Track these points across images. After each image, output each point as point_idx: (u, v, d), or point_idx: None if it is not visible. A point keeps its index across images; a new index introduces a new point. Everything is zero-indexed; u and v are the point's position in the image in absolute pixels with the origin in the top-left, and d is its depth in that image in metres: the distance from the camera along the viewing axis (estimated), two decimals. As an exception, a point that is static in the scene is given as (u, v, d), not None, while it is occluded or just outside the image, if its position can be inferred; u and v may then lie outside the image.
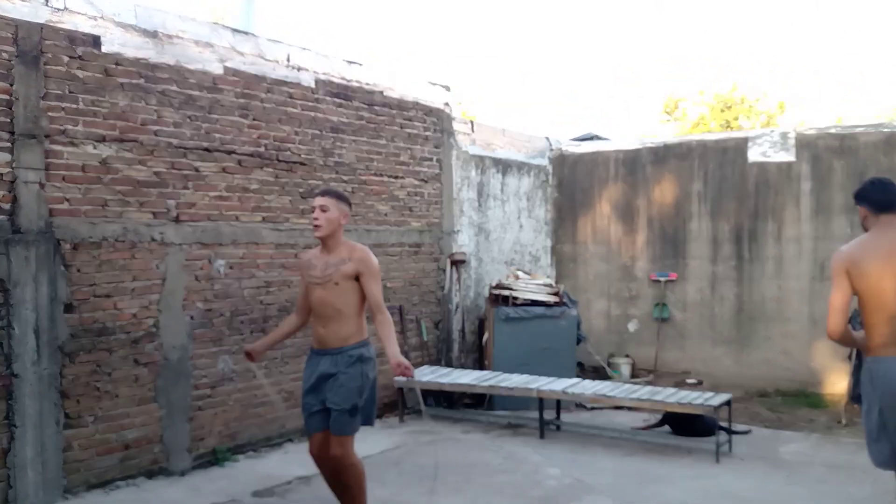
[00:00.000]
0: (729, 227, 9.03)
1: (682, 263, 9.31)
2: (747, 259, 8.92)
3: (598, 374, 9.15)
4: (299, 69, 6.57)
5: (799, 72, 34.74)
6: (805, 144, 8.63)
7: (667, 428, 6.72)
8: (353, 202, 6.98)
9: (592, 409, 7.59)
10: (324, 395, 4.07)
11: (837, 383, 8.19)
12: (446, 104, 8.25)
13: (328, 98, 6.83)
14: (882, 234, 3.66)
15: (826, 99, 31.33)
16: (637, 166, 9.65)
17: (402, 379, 6.50)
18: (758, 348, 8.83)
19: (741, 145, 8.99)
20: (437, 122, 8.10)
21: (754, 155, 8.90)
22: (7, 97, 4.72)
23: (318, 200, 4.04)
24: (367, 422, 4.19)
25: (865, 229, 3.80)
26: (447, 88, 8.31)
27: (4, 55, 4.71)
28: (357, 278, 4.00)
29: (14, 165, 4.75)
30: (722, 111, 22.88)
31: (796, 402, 8.01)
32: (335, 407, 4.00)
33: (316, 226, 4.01)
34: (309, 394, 4.13)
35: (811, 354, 8.51)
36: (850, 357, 7.63)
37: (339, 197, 4.10)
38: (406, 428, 6.98)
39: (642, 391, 6.62)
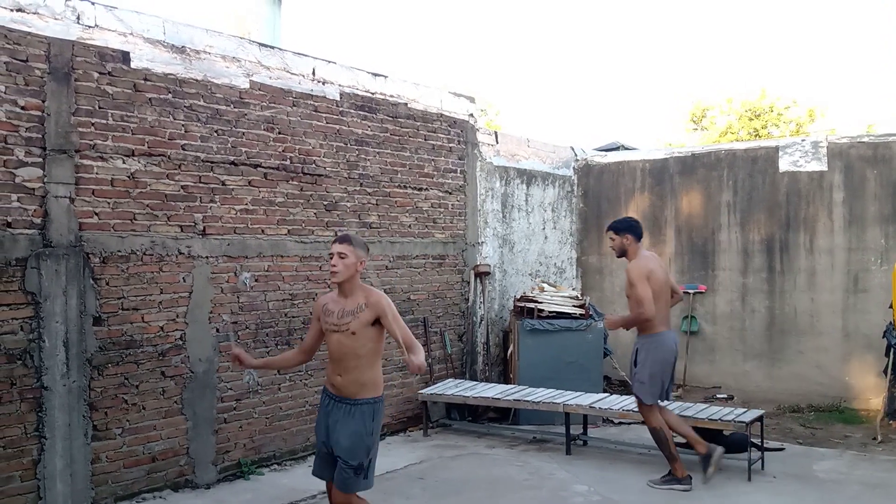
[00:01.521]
0: (759, 238, 8.89)
1: (711, 275, 9.18)
2: (779, 271, 8.77)
3: (626, 388, 9.03)
4: (324, 82, 6.61)
5: (828, 79, 34.28)
6: (837, 153, 8.49)
7: (696, 444, 6.59)
8: (377, 214, 7.04)
9: (620, 424, 7.48)
10: (332, 443, 4.03)
11: (872, 398, 8.02)
12: (470, 115, 8.24)
13: (353, 111, 6.86)
14: (650, 254, 5.85)
15: (857, 106, 30.87)
16: (664, 176, 9.55)
17: (423, 391, 6.46)
18: (790, 362, 8.67)
19: (771, 154, 8.86)
20: (461, 134, 8.09)
21: (785, 164, 8.77)
22: (39, 113, 4.80)
23: (337, 247, 4.02)
24: (368, 484, 4.10)
25: (622, 253, 5.73)
26: (471, 99, 8.30)
27: (37, 72, 4.79)
28: (376, 322, 3.98)
29: (45, 180, 4.82)
30: (750, 119, 22.61)
31: (830, 418, 7.84)
32: (342, 463, 3.97)
33: (334, 272, 4.00)
34: (322, 439, 4.11)
35: (845, 369, 8.34)
36: (885, 371, 7.47)
37: (356, 243, 4.07)
38: (430, 442, 6.94)
39: (672, 406, 6.50)
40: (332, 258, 4.02)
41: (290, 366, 4.56)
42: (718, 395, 8.73)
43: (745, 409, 6.38)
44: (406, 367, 4.07)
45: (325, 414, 4.08)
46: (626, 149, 11.95)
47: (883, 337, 7.56)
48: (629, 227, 5.72)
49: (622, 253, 5.72)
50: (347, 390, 4.00)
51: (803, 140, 8.85)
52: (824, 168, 8.54)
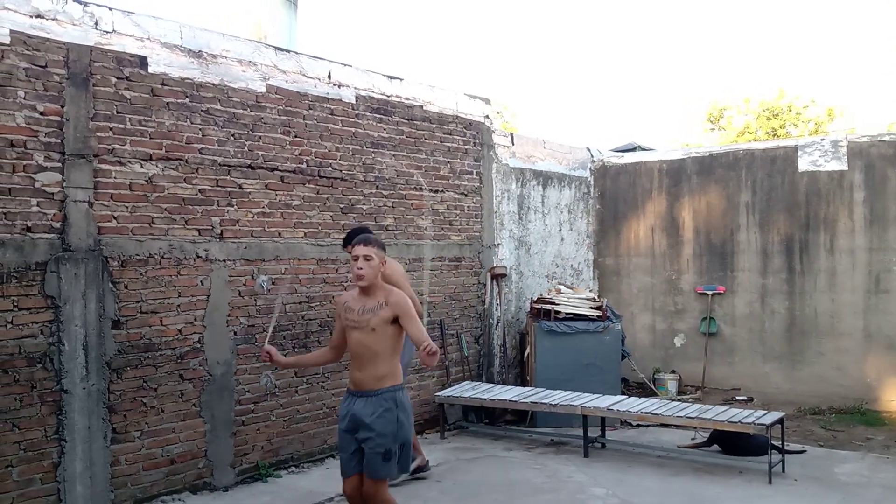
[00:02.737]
0: (779, 239, 8.81)
1: (730, 276, 9.11)
2: (798, 271, 8.68)
3: (643, 390, 8.98)
4: (340, 86, 6.62)
5: (847, 78, 33.93)
6: (857, 152, 8.39)
7: (715, 447, 6.55)
8: (393, 217, 7.05)
9: (638, 426, 7.43)
10: (358, 436, 4.07)
11: (894, 400, 7.92)
12: (486, 117, 8.22)
13: (368, 114, 6.87)
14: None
15: (877, 105, 30.53)
16: (682, 176, 9.49)
17: (440, 393, 6.47)
18: (810, 364, 8.57)
19: (790, 154, 8.78)
20: (476, 136, 8.08)
21: (804, 164, 8.68)
22: (58, 118, 4.84)
23: (362, 250, 4.05)
24: (403, 468, 4.17)
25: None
26: (487, 101, 8.28)
27: (56, 77, 4.83)
28: (395, 320, 4.02)
29: (64, 185, 4.86)
30: (768, 119, 22.42)
31: (851, 420, 7.74)
32: (369, 450, 4.00)
33: (360, 275, 4.03)
34: (344, 433, 4.13)
35: (866, 370, 8.24)
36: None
37: (378, 245, 4.13)
38: (447, 444, 6.93)
39: (691, 409, 6.46)
40: (356, 261, 4.05)
41: (321, 363, 4.59)
42: (738, 398, 8.65)
43: (766, 412, 6.32)
44: (423, 369, 4.09)
45: (346, 409, 4.12)
46: (643, 149, 11.90)
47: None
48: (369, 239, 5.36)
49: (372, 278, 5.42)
50: (367, 384, 4.05)
51: (823, 139, 8.76)
52: (844, 167, 8.45)
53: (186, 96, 5.51)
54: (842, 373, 8.35)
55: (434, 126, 7.56)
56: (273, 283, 6.05)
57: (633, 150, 11.78)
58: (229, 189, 5.78)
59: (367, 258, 4.04)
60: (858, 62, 35.24)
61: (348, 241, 5.30)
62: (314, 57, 6.49)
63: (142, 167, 5.27)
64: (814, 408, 8.16)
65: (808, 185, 8.65)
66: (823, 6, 36.70)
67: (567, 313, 7.75)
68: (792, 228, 8.73)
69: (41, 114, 4.76)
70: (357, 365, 4.09)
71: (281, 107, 6.13)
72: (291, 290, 6.09)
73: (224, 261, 5.73)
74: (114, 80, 5.12)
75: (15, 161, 4.66)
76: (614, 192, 9.97)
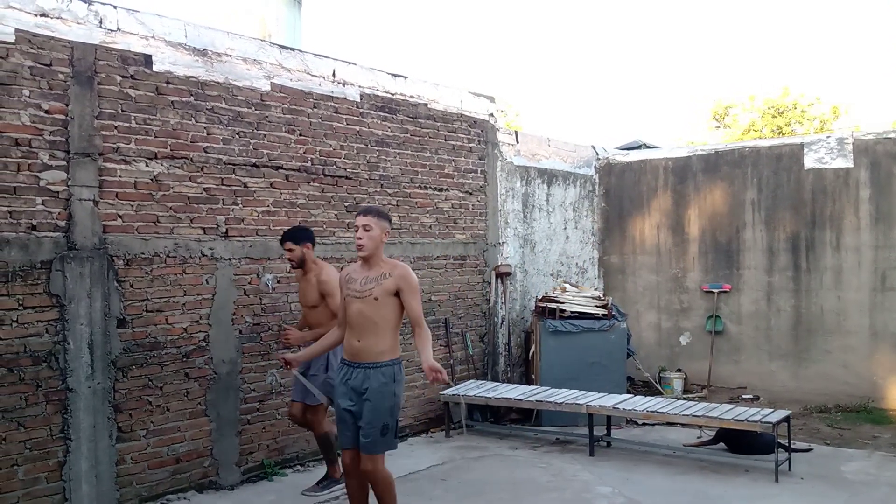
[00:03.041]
0: (785, 237, 8.78)
1: (735, 274, 9.08)
2: (804, 269, 8.65)
3: (649, 388, 8.96)
4: (345, 84, 6.61)
5: (852, 76, 33.82)
6: (863, 150, 8.36)
7: (721, 445, 6.53)
8: (398, 215, 7.03)
9: (644, 425, 7.42)
10: (355, 409, 4.08)
11: (902, 399, 7.89)
12: (490, 115, 8.21)
13: (373, 112, 6.85)
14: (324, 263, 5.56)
15: (882, 102, 30.43)
16: (687, 174, 9.46)
17: (445, 392, 6.48)
18: (817, 362, 8.54)
19: (796, 151, 8.75)
20: (481, 134, 8.06)
21: (810, 161, 8.64)
22: (63, 117, 4.84)
23: (361, 220, 4.10)
24: (393, 444, 4.23)
25: (299, 264, 5.41)
26: (491, 99, 8.27)
27: (61, 76, 4.83)
28: (397, 294, 4.04)
29: (69, 183, 4.86)
30: (774, 117, 22.34)
31: (858, 419, 7.72)
32: (367, 426, 4.03)
33: (360, 245, 4.08)
34: (343, 409, 4.15)
35: (873, 368, 8.21)
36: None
37: (380, 215, 4.15)
38: (452, 443, 6.92)
39: (697, 407, 6.44)
40: (356, 231, 4.07)
41: (338, 343, 4.54)
42: (744, 396, 8.63)
43: (772, 410, 6.29)
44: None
45: (344, 382, 4.14)
46: (648, 147, 11.88)
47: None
48: (305, 236, 5.46)
49: (300, 263, 5.42)
50: (366, 355, 4.07)
51: (828, 137, 8.73)
52: (850, 165, 8.41)
53: (191, 95, 5.51)
54: (848, 371, 8.32)
55: (438, 124, 7.54)
56: (278, 282, 6.04)
57: (639, 147, 11.75)
58: (234, 188, 5.78)
59: (366, 228, 4.07)
60: (863, 60, 35.13)
61: (283, 240, 5.45)
62: (318, 55, 6.48)
63: (147, 166, 5.26)
64: (820, 406, 8.14)
65: (813, 183, 8.62)
66: (828, 4, 36.60)
67: (572, 312, 7.73)
68: (798, 226, 8.69)
69: (46, 112, 4.76)
70: (356, 334, 4.10)
71: (285, 105, 6.13)
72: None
73: (229, 259, 5.72)
74: (118, 78, 5.11)
75: (20, 160, 4.66)
76: (619, 190, 9.94)
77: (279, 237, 5.60)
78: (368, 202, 6.78)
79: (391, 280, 4.04)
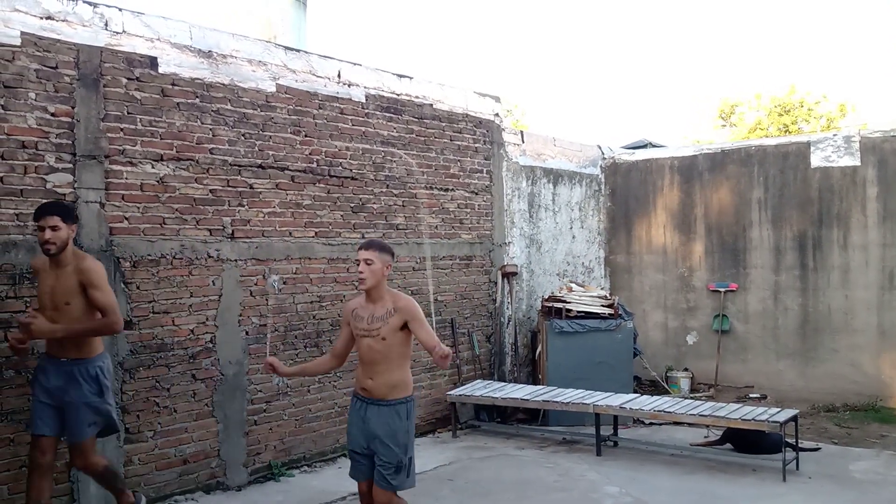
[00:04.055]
0: (792, 235, 8.74)
1: (742, 273, 9.05)
2: (812, 268, 8.61)
3: (656, 388, 8.95)
4: (350, 85, 6.61)
5: (859, 74, 33.68)
6: (870, 148, 8.32)
7: (728, 445, 6.50)
8: (403, 215, 7.03)
9: (651, 424, 7.40)
10: (369, 446, 4.06)
11: (910, 398, 7.85)
12: (496, 115, 8.20)
13: (378, 112, 6.86)
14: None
15: (889, 100, 30.29)
16: (693, 173, 9.44)
17: (452, 392, 6.44)
18: (824, 361, 8.51)
19: (803, 150, 8.71)
20: (486, 134, 8.06)
21: (817, 160, 8.61)
22: (69, 119, 4.85)
23: (363, 254, 4.07)
24: (410, 482, 4.13)
25: (59, 248, 4.22)
26: (496, 99, 8.26)
27: (66, 79, 4.84)
28: (404, 327, 4.02)
29: (76, 186, 4.88)
30: (780, 115, 22.27)
31: (866, 418, 7.68)
32: (382, 464, 4.01)
33: (361, 279, 4.06)
34: (354, 441, 4.12)
35: (881, 367, 8.17)
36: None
37: (381, 248, 4.12)
38: (459, 443, 6.92)
39: (704, 407, 6.42)
40: (358, 265, 4.07)
41: (323, 371, 4.61)
42: (751, 395, 8.60)
43: (779, 409, 6.27)
44: (435, 368, 4.10)
45: (358, 417, 4.11)
46: (654, 146, 11.84)
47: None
48: (76, 217, 4.47)
49: (60, 249, 4.23)
50: (379, 392, 4.04)
51: (835, 135, 8.69)
52: (857, 163, 8.38)
53: (197, 96, 5.52)
54: (856, 370, 8.29)
55: (444, 124, 7.54)
56: (284, 283, 6.05)
57: (644, 147, 11.71)
58: (240, 189, 5.78)
59: (367, 262, 4.05)
60: (870, 57, 34.99)
61: (45, 214, 4.24)
62: (324, 56, 6.49)
63: (153, 168, 5.28)
64: (828, 405, 8.11)
65: (820, 181, 8.59)
66: (834, 2, 36.46)
67: (579, 311, 7.72)
68: (805, 225, 8.66)
69: (52, 115, 4.78)
70: (368, 372, 4.07)
71: (291, 106, 6.13)
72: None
73: (235, 261, 5.73)
74: (124, 80, 5.13)
75: (27, 162, 4.67)
76: (625, 189, 9.92)
77: (284, 238, 5.58)
78: (374, 202, 6.79)
79: (397, 317, 4.01)
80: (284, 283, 6.06)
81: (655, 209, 9.69)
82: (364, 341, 4.07)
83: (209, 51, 5.61)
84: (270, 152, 5.99)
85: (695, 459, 6.33)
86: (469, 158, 7.83)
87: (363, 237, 6.51)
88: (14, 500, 4.56)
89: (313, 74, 6.33)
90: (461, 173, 7.73)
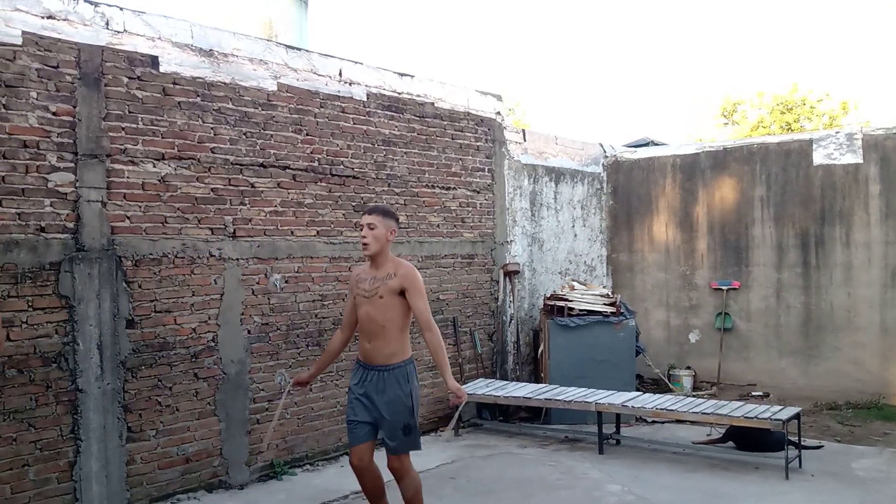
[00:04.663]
0: (794, 233, 8.73)
1: (745, 271, 9.04)
2: (814, 266, 8.60)
3: (658, 386, 8.94)
4: (351, 83, 6.61)
5: (861, 71, 33.62)
6: (872, 145, 8.30)
7: (731, 443, 6.49)
8: (405, 214, 7.03)
9: (653, 422, 7.39)
10: (374, 411, 4.14)
11: (913, 395, 7.83)
12: (497, 113, 8.19)
13: (380, 111, 6.85)
14: None
15: (891, 98, 30.23)
16: (696, 171, 9.43)
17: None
18: (827, 359, 8.50)
19: (805, 147, 8.70)
20: (488, 132, 8.05)
21: (819, 157, 8.60)
22: (70, 118, 4.86)
23: (366, 219, 4.12)
24: (418, 444, 4.25)
25: None
26: (498, 97, 8.25)
27: (68, 78, 4.85)
28: (402, 294, 4.05)
29: (77, 185, 4.88)
30: (782, 113, 22.24)
31: (869, 415, 7.67)
32: (389, 430, 4.10)
33: (364, 244, 4.10)
34: (357, 405, 4.17)
35: (884, 365, 8.16)
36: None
37: (385, 213, 4.15)
38: (462, 442, 6.91)
39: (706, 405, 6.42)
40: (361, 230, 4.10)
41: (339, 350, 4.58)
42: (754, 393, 8.59)
43: (782, 407, 6.27)
44: (435, 368, 4.13)
45: (359, 384, 4.20)
46: (656, 144, 11.83)
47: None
48: None
49: None
50: (378, 357, 4.11)
51: (837, 132, 8.67)
52: (860, 160, 8.36)
53: (198, 95, 5.52)
54: (858, 367, 8.27)
55: (445, 123, 7.53)
56: (286, 282, 6.05)
57: (646, 145, 11.70)
58: (242, 188, 5.78)
59: (370, 226, 4.08)
60: (872, 55, 34.91)
61: None
62: (325, 55, 6.48)
63: (154, 167, 5.28)
64: (830, 403, 8.09)
65: (823, 179, 8.57)
66: (836, 0, 36.38)
67: (581, 310, 7.71)
68: (807, 222, 8.65)
69: (53, 114, 4.78)
70: (366, 336, 4.17)
71: (292, 105, 6.13)
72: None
73: (237, 259, 5.73)
74: (125, 79, 5.13)
75: (28, 161, 4.68)
76: (627, 187, 9.91)
77: (286, 237, 5.58)
78: (376, 201, 6.78)
79: (396, 280, 4.07)
80: (286, 281, 6.06)
81: (657, 207, 9.68)
82: (364, 306, 4.15)
83: (210, 50, 5.60)
84: (272, 151, 5.99)
85: (697, 457, 6.32)
86: (471, 157, 7.82)
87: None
88: (16, 499, 4.57)
89: (314, 73, 6.32)
90: (463, 172, 7.73)
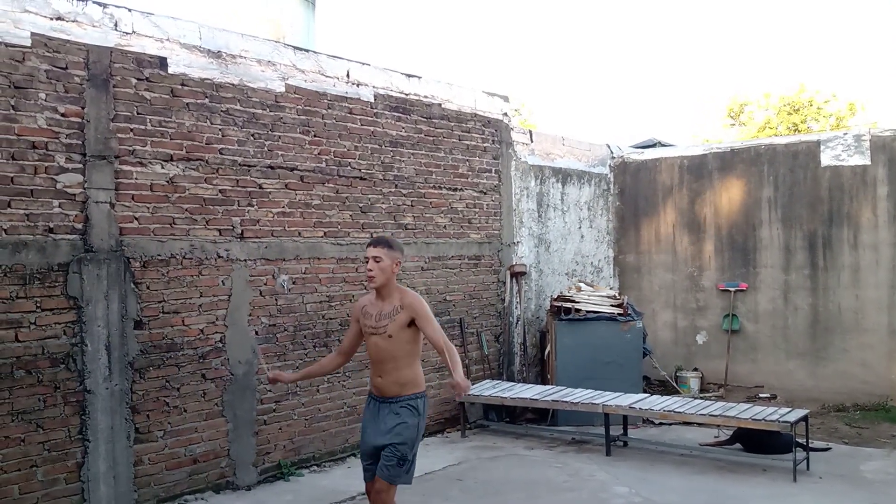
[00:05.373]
0: (802, 235, 8.70)
1: (752, 273, 9.01)
2: (822, 267, 8.57)
3: (665, 388, 8.92)
4: (359, 84, 6.61)
5: (868, 72, 33.50)
6: (880, 146, 8.27)
7: (738, 445, 6.48)
8: (412, 215, 7.03)
9: (660, 424, 7.37)
10: (377, 442, 4.05)
11: (922, 397, 7.80)
12: (504, 114, 8.19)
13: (387, 112, 6.85)
14: None
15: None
16: (703, 172, 9.40)
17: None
18: (834, 361, 8.46)
19: (813, 149, 8.67)
20: (495, 133, 8.04)
21: (827, 158, 8.56)
22: (79, 120, 4.87)
23: (371, 251, 4.04)
24: (408, 478, 4.10)
25: None
26: (505, 99, 8.25)
27: (76, 79, 4.86)
28: (412, 323, 4.00)
29: (86, 186, 4.89)
30: (789, 114, 22.18)
31: (876, 417, 7.64)
32: (387, 455, 3.98)
33: (370, 277, 4.03)
34: (366, 445, 4.11)
35: (891, 366, 8.13)
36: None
37: (390, 245, 4.09)
38: (468, 443, 6.91)
39: (714, 407, 6.40)
40: (367, 262, 4.04)
41: (328, 371, 4.60)
42: (761, 395, 8.57)
43: (790, 409, 6.25)
44: (444, 368, 4.09)
45: (371, 417, 4.11)
46: (663, 145, 11.80)
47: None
48: None
49: None
50: (389, 390, 4.04)
51: (845, 133, 8.64)
52: (867, 162, 8.33)
53: (206, 97, 5.53)
54: (866, 369, 8.24)
55: (452, 124, 7.53)
56: (294, 283, 6.05)
57: (653, 146, 11.66)
58: (249, 189, 5.79)
59: (376, 259, 4.01)
60: (880, 56, 34.78)
61: None
62: (332, 56, 6.49)
63: (162, 168, 5.29)
64: (838, 405, 8.06)
65: (830, 180, 8.54)
66: (843, 1, 36.25)
67: (588, 311, 7.70)
68: (815, 224, 8.62)
69: (62, 115, 4.79)
70: (378, 370, 4.08)
71: (300, 106, 6.14)
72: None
73: (245, 260, 5.74)
74: (134, 81, 5.14)
75: (37, 163, 4.69)
76: (634, 188, 9.89)
77: (293, 238, 5.56)
78: (383, 202, 6.78)
79: (403, 313, 3.99)
80: (294, 282, 6.07)
81: (664, 208, 9.65)
82: (372, 339, 4.07)
83: (218, 51, 5.61)
84: (279, 152, 5.99)
85: (705, 459, 6.30)
86: (478, 158, 7.82)
87: (372, 237, 6.51)
88: (24, 500, 4.58)
89: (322, 74, 6.33)
90: (470, 173, 7.72)
